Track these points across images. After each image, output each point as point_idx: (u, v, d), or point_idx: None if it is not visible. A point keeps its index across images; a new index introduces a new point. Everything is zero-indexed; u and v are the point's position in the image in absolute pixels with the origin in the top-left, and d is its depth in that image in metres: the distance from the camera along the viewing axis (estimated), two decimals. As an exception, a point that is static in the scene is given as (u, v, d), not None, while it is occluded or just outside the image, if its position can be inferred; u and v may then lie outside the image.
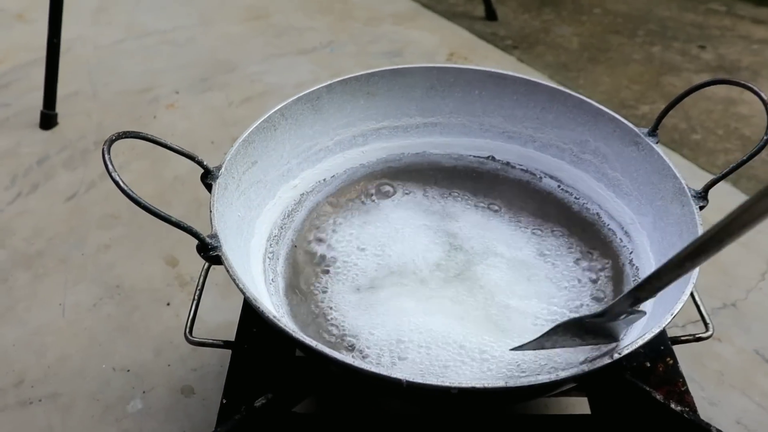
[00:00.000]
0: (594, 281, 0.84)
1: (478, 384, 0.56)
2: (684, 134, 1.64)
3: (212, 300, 1.16)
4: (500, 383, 0.56)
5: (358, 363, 0.57)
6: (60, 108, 1.65)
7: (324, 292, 0.81)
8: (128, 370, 1.08)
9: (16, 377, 1.07)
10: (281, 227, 0.86)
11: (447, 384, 0.56)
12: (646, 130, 0.86)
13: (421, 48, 2.02)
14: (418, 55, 1.97)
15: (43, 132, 1.63)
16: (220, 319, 1.14)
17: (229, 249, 0.69)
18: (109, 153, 0.67)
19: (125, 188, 0.65)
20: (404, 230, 0.89)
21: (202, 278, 0.86)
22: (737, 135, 1.65)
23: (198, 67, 1.91)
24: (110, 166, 0.66)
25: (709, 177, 1.49)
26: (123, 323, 1.16)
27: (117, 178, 0.65)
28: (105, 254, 1.30)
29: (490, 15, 2.20)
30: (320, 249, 0.87)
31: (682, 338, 0.80)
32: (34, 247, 1.31)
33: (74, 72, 1.85)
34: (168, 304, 1.19)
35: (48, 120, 1.64)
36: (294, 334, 0.59)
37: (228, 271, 0.66)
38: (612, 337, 0.67)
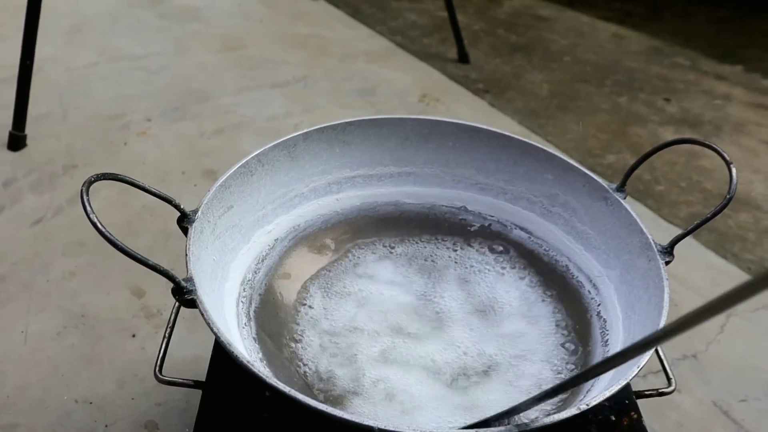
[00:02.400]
0: (564, 328, 0.86)
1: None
2: (648, 185, 1.69)
3: (179, 334, 1.16)
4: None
5: (330, 409, 0.58)
6: (29, 129, 1.65)
7: (298, 338, 0.82)
8: (91, 402, 1.07)
9: (-26, 406, 1.06)
10: (255, 272, 0.87)
11: (413, 430, 0.57)
12: (614, 186, 0.89)
13: (393, 87, 2.05)
14: (391, 94, 2.00)
15: (11, 153, 1.62)
16: (188, 353, 1.14)
17: (203, 293, 0.70)
18: (87, 194, 0.68)
19: (104, 231, 0.65)
20: (379, 280, 0.91)
21: (173, 316, 0.87)
22: (699, 188, 1.70)
23: (171, 95, 1.91)
24: (88, 208, 0.66)
25: (672, 228, 1.56)
26: (87, 353, 1.15)
27: (95, 220, 0.66)
28: (70, 282, 1.29)
29: (463, 58, 2.25)
30: (294, 295, 0.88)
31: (646, 393, 0.82)
32: (-3, 271, 1.30)
33: (45, 93, 1.84)
34: (133, 336, 1.18)
35: (16, 141, 1.63)
36: (267, 380, 0.60)
37: (203, 315, 0.67)
38: None
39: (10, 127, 1.62)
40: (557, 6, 2.75)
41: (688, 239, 1.48)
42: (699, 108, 2.08)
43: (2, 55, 1.99)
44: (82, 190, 0.68)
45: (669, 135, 1.90)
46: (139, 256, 0.66)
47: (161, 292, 1.26)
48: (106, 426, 1.04)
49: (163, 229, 1.38)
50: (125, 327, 1.20)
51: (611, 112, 2.02)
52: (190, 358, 1.14)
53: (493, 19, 2.58)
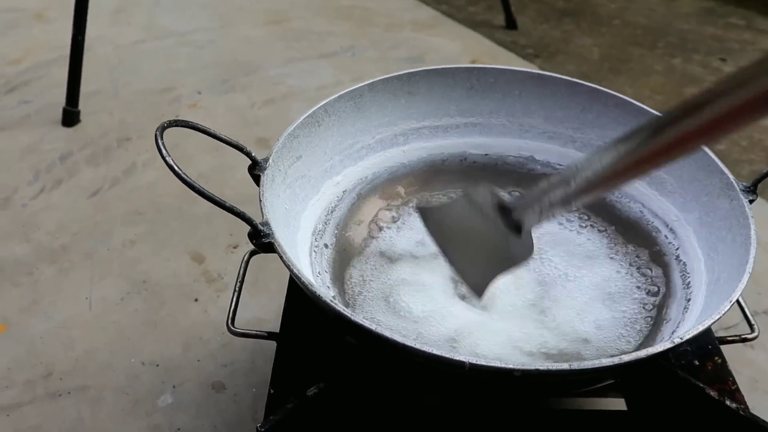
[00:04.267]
0: (643, 275, 0.84)
1: (542, 366, 0.56)
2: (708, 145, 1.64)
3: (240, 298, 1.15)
4: (564, 366, 0.56)
5: (420, 345, 0.57)
6: (82, 106, 1.65)
7: (369, 284, 0.81)
8: (157, 365, 1.07)
9: (44, 369, 1.06)
10: (325, 222, 0.86)
11: (510, 366, 0.56)
12: (690, 128, 0.86)
13: (442, 54, 2.02)
14: (440, 61, 1.97)
15: (66, 129, 1.63)
16: (248, 316, 1.13)
17: (280, 237, 0.69)
18: (162, 138, 0.67)
19: (181, 174, 0.65)
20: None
21: (242, 269, 0.86)
22: (761, 146, 1.65)
23: (219, 69, 1.91)
24: (164, 151, 0.66)
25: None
26: (150, 318, 1.15)
27: (171, 163, 0.65)
28: (130, 250, 1.29)
29: (510, 24, 2.21)
30: (366, 243, 0.87)
31: (728, 338, 0.79)
32: (58, 241, 1.31)
33: (95, 71, 1.85)
34: (196, 300, 1.18)
35: (70, 117, 1.64)
36: (353, 317, 0.59)
37: (281, 257, 0.66)
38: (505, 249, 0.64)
39: (63, 104, 1.63)
40: (603, -29, 2.69)
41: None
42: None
43: (50, 37, 2.01)
44: (156, 135, 0.67)
45: (727, 94, 1.84)
46: (216, 198, 0.65)
47: (220, 256, 1.26)
48: (174, 387, 1.04)
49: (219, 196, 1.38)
50: (187, 292, 1.20)
51: (665, 74, 1.98)
52: (252, 320, 1.13)
53: (538, -15, 2.54)
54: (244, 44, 2.05)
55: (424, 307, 0.77)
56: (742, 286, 0.64)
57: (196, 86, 1.82)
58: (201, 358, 1.09)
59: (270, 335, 0.79)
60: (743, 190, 0.78)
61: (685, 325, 0.73)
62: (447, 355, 0.56)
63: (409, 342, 0.57)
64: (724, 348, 0.81)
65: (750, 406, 0.70)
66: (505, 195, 0.62)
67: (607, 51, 2.12)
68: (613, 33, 2.24)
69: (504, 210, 0.62)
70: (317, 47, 2.04)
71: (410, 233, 0.89)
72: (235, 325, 0.80)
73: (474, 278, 0.69)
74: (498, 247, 0.63)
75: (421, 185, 0.96)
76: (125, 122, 1.67)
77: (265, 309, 1.16)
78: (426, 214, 0.72)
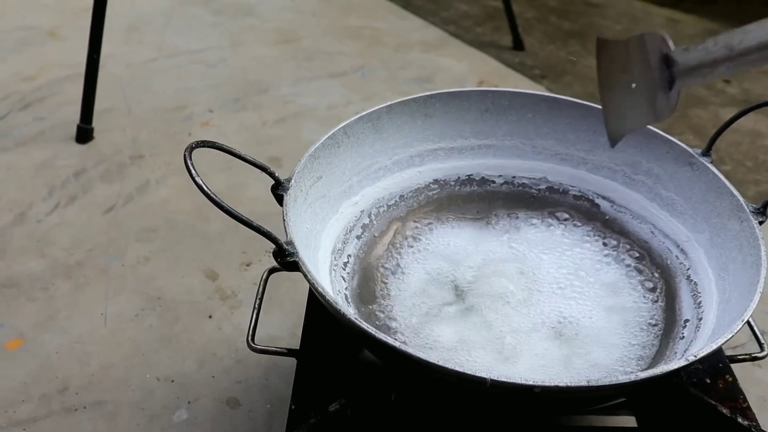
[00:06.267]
0: (652, 292, 0.86)
1: (561, 383, 0.57)
2: (714, 165, 1.66)
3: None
4: (582, 382, 0.58)
5: (443, 362, 0.58)
6: (95, 123, 1.67)
7: (388, 307, 0.83)
8: (172, 381, 1.09)
9: (60, 384, 1.08)
10: (344, 242, 0.88)
11: (530, 383, 0.57)
12: (699, 151, 0.89)
13: (450, 75, 2.05)
14: (449, 82, 2.00)
15: (79, 146, 1.65)
16: (262, 333, 1.14)
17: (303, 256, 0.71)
18: (191, 158, 0.69)
19: (209, 193, 0.66)
20: (469, 250, 0.91)
21: (261, 286, 0.88)
22: (767, 167, 1.67)
23: (231, 87, 1.93)
24: (193, 171, 0.67)
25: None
26: (165, 334, 1.17)
27: (200, 183, 0.67)
28: (145, 266, 1.31)
29: (517, 45, 2.24)
30: (384, 264, 0.89)
31: (739, 357, 0.81)
32: (73, 257, 1.32)
33: (108, 88, 1.87)
34: (210, 317, 1.20)
35: (84, 134, 1.66)
36: (377, 335, 0.60)
37: (306, 276, 0.67)
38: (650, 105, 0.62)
39: (77, 121, 1.65)
40: (608, -7, 2.73)
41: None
42: (761, 89, 2.05)
43: (63, 54, 2.03)
44: (185, 155, 0.69)
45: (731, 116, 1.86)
46: (243, 217, 0.67)
47: (234, 274, 1.28)
48: (189, 403, 1.05)
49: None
50: (201, 309, 1.22)
51: (671, 96, 1.99)
52: (267, 338, 1.15)
53: (544, 6, 2.56)
54: (255, 63, 2.08)
55: (441, 331, 0.79)
56: (753, 305, 0.66)
57: (208, 104, 1.84)
58: (216, 374, 1.10)
59: (290, 352, 0.81)
60: (753, 212, 0.80)
61: (697, 344, 0.74)
62: (468, 372, 0.58)
63: (432, 359, 0.59)
64: (733, 366, 0.83)
65: (761, 425, 0.72)
66: (672, 45, 0.60)
67: (614, 72, 2.14)
68: (618, 55, 2.26)
69: (667, 61, 0.59)
70: (327, 67, 2.06)
71: (426, 254, 0.91)
72: (255, 342, 0.81)
73: (614, 123, 0.68)
74: (648, 98, 0.62)
75: (437, 206, 0.98)
76: (138, 139, 1.69)
77: (279, 326, 1.17)
78: (601, 46, 0.70)
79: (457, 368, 0.58)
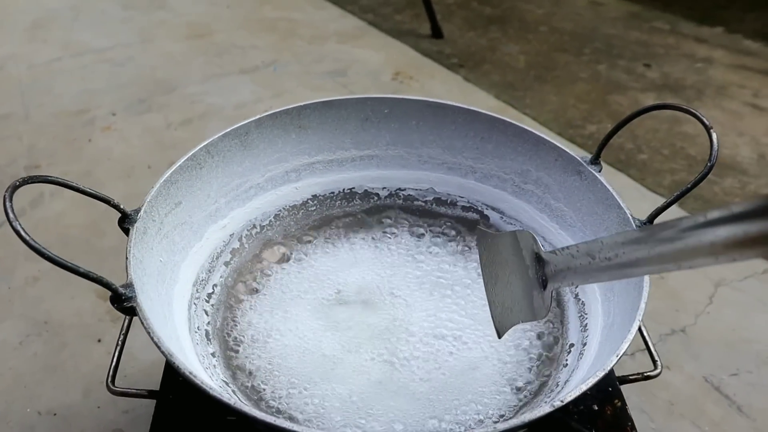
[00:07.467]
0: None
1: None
2: (630, 154, 1.64)
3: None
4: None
5: (280, 422, 0.53)
6: (-10, 131, 1.59)
7: (253, 340, 0.77)
8: (55, 414, 1.03)
9: (-67, 424, 1.01)
10: (209, 270, 0.82)
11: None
12: (588, 158, 0.84)
13: (366, 67, 1.99)
14: (363, 74, 1.95)
15: (-29, 157, 1.57)
16: (155, 357, 1.09)
17: (146, 298, 0.65)
18: (10, 201, 0.63)
19: (28, 239, 0.60)
20: (346, 271, 0.86)
21: (125, 324, 0.82)
22: (683, 155, 1.65)
23: (136, 87, 1.86)
24: (11, 215, 0.61)
25: (656, 198, 1.51)
26: (50, 362, 1.10)
27: (18, 228, 0.61)
28: (33, 287, 1.24)
29: (436, 33, 2.19)
30: (254, 288, 0.83)
31: (630, 377, 0.77)
32: (-44, 280, 1.25)
33: (6, 92, 1.79)
34: (99, 341, 1.14)
35: (-23, 144, 1.58)
36: (211, 392, 0.55)
37: (142, 323, 0.62)
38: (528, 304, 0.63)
39: (-31, 131, 1.57)
40: (533, -25, 2.69)
41: (673, 208, 1.45)
42: (680, 72, 2.03)
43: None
44: (5, 197, 0.62)
45: (650, 101, 1.84)
46: (69, 264, 0.61)
47: (128, 293, 1.21)
48: (72, 438, 1.00)
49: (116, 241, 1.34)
50: (90, 332, 1.16)
51: (590, 81, 1.97)
52: (158, 361, 1.09)
53: (467, -9, 2.53)
54: (164, 60, 2.00)
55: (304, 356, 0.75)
56: (630, 338, 0.62)
57: (112, 107, 1.76)
58: (101, 405, 1.04)
59: (150, 394, 0.75)
60: (639, 227, 0.75)
61: (578, 373, 0.70)
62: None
63: (269, 419, 0.54)
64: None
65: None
66: (542, 246, 0.59)
67: (534, 59, 2.11)
68: (539, 40, 2.23)
69: (539, 261, 0.60)
70: (239, 62, 1.99)
71: (300, 277, 0.85)
72: (116, 384, 0.75)
73: (500, 316, 0.67)
74: (526, 295, 0.62)
75: (317, 224, 0.92)
76: (35, 148, 1.60)
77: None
78: (481, 237, 0.69)
79: (296, 429, 0.53)
